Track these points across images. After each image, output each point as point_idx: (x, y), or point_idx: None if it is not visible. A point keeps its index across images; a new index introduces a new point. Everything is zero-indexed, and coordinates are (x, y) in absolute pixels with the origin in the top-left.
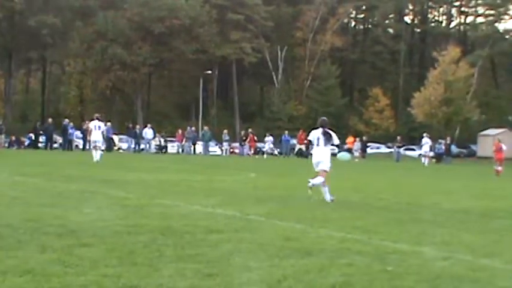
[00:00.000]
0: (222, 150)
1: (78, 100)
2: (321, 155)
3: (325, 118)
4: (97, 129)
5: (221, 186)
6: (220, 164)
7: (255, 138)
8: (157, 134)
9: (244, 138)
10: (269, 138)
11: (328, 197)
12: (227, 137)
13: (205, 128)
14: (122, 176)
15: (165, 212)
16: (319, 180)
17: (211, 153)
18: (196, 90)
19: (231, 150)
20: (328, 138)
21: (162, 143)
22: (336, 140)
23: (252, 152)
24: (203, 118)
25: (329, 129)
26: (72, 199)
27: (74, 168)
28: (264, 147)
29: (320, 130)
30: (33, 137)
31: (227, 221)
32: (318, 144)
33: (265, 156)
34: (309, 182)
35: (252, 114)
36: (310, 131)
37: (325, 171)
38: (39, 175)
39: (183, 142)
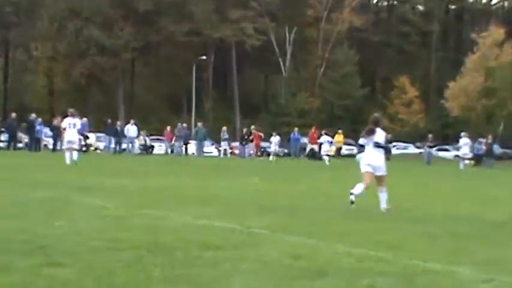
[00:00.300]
0: (219, 150)
1: (47, 91)
2: (375, 158)
3: (377, 115)
4: (71, 127)
5: (218, 193)
6: (218, 167)
7: (261, 136)
8: (142, 132)
9: (246, 136)
10: (275, 138)
11: (384, 204)
12: (226, 135)
13: (199, 124)
14: (99, 181)
15: (152, 224)
16: (360, 188)
17: (206, 154)
18: (189, 79)
19: (231, 150)
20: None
21: (148, 142)
22: (379, 137)
23: (257, 152)
24: (197, 113)
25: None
26: (41, 209)
27: (43, 172)
28: (269, 148)
29: (377, 130)
30: None
31: (225, 235)
32: (367, 144)
33: (271, 158)
34: (351, 194)
35: (255, 108)
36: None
37: (382, 176)
38: (0, 181)
39: (173, 141)
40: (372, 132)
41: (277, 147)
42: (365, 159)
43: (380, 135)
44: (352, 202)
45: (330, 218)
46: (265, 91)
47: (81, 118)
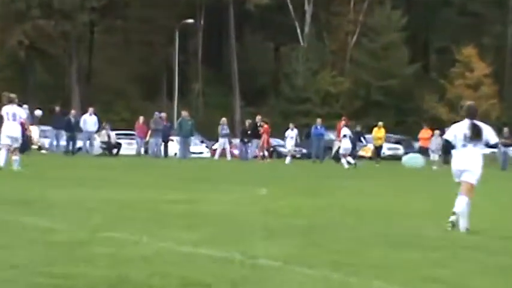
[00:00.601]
0: (211, 150)
1: None
2: (469, 160)
3: (473, 104)
4: (11, 118)
5: (210, 210)
6: (209, 174)
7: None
8: (104, 124)
9: (249, 130)
10: (293, 132)
11: (464, 223)
12: (226, 130)
13: (184, 114)
14: (45, 193)
15: (117, 253)
16: (463, 203)
17: (194, 155)
18: (170, 51)
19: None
20: (478, 134)
21: (113, 139)
22: (493, 138)
23: (264, 153)
24: (181, 98)
25: (479, 121)
26: None
27: None
28: (282, 146)
29: (467, 123)
30: None
31: (219, 268)
32: (464, 145)
33: (288, 160)
34: (453, 213)
35: (261, 91)
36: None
37: (471, 184)
38: None
39: (147, 137)
40: (479, 134)
41: (293, 146)
42: (459, 163)
43: (490, 132)
44: (452, 225)
45: (362, 244)
46: (276, 68)
47: (20, 105)
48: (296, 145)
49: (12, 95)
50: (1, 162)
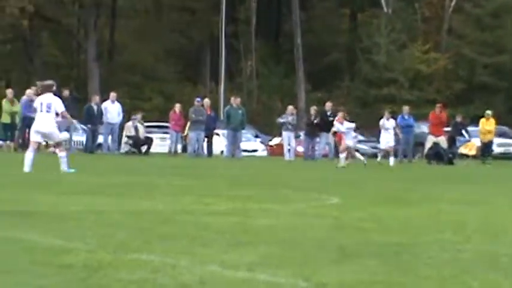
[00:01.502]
0: (269, 147)
1: None
2: None
3: None
4: (44, 109)
5: (267, 224)
6: (267, 177)
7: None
8: (136, 115)
9: (315, 121)
10: (389, 123)
11: None
12: (292, 120)
13: (234, 100)
14: (55, 202)
15: (148, 280)
16: None
17: (245, 153)
18: (214, 20)
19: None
20: None
21: (141, 134)
22: None
23: (339, 150)
24: (229, 80)
25: None
26: None
27: None
28: (359, 142)
29: None
30: None
31: None
32: None
33: (379, 158)
34: None
35: (332, 71)
36: None
37: None
38: None
39: (186, 131)
40: None
41: (355, 140)
42: None
43: None
44: None
45: (464, 269)
46: (351, 41)
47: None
48: (397, 141)
49: (49, 82)
50: (26, 167)
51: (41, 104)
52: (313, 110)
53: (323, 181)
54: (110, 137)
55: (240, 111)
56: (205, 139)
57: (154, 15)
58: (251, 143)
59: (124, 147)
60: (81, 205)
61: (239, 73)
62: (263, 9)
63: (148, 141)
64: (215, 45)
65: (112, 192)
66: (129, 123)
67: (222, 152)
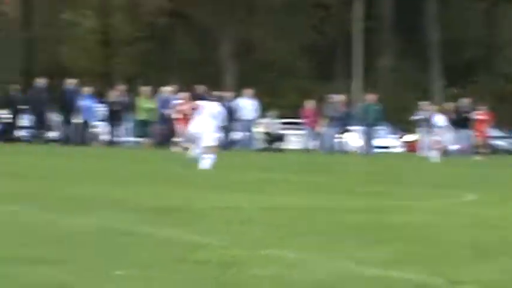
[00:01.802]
0: (406, 144)
1: (98, 40)
2: None
3: None
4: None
5: (402, 221)
6: (402, 174)
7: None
8: (270, 113)
9: (451, 117)
10: (441, 119)
11: None
12: (427, 115)
13: (369, 97)
14: (191, 198)
15: (281, 276)
16: None
17: (380, 150)
18: (349, 16)
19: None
20: None
21: (275, 130)
22: None
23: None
24: (364, 77)
25: None
26: (94, 248)
27: (86, 182)
28: (499, 138)
29: None
30: (5, 120)
31: None
32: None
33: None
34: None
35: (469, 66)
36: None
37: None
38: (15, 197)
39: (320, 127)
40: None
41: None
42: None
43: None
44: None
45: None
46: (487, 36)
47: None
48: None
49: (202, 88)
50: (204, 164)
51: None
52: (450, 105)
53: (459, 177)
54: (245, 134)
55: (374, 108)
56: (339, 134)
57: (290, 12)
58: (386, 139)
59: (259, 144)
60: (216, 201)
61: (374, 69)
62: (398, 4)
63: (283, 138)
64: (349, 41)
65: (246, 189)
66: (264, 120)
67: (356, 148)
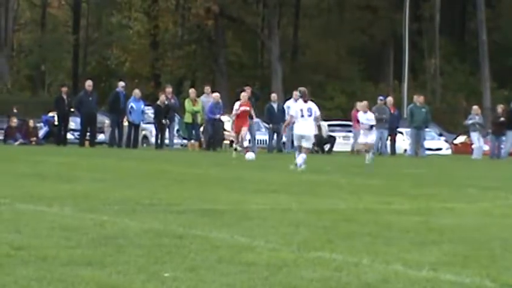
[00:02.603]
0: (452, 146)
1: (148, 42)
2: None
3: None
4: (305, 114)
5: (451, 223)
6: (451, 176)
7: None
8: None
9: (501, 119)
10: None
11: None
12: (478, 118)
13: (417, 99)
14: (240, 200)
15: (331, 279)
16: None
17: (429, 152)
18: (397, 18)
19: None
20: None
21: (324, 133)
22: None
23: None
24: (412, 78)
25: None
26: (143, 250)
27: (135, 185)
28: None
29: None
30: (54, 122)
31: None
32: None
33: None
34: None
35: None
36: None
37: None
38: (63, 199)
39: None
40: None
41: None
42: None
43: None
44: None
45: None
46: None
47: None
48: None
49: (303, 89)
50: (298, 161)
51: (301, 110)
52: (499, 108)
53: (509, 180)
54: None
55: (423, 110)
56: (389, 137)
57: (337, 14)
58: (435, 141)
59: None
60: (264, 203)
61: (423, 71)
62: (447, 6)
63: (331, 140)
64: (398, 43)
65: (295, 191)
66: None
67: (405, 150)
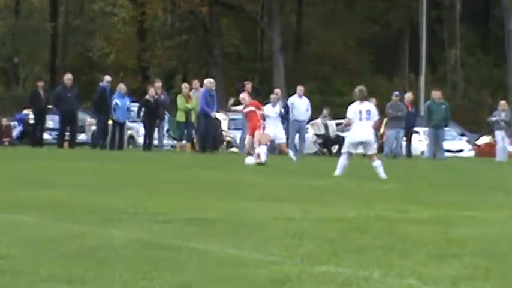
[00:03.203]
0: (475, 146)
1: (134, 30)
2: None
3: None
4: (364, 117)
5: (472, 234)
6: (473, 181)
7: None
8: (327, 112)
9: None
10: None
11: None
12: (504, 116)
13: (436, 94)
14: (235, 208)
15: None
16: None
17: (449, 154)
18: (414, 5)
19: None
20: None
21: (332, 132)
22: None
23: None
24: (431, 71)
25: None
26: (121, 260)
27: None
28: None
29: None
30: (29, 120)
31: None
32: None
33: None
34: None
35: None
36: None
37: None
38: (40, 207)
39: (381, 129)
40: None
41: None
42: None
43: None
44: None
45: None
46: None
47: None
48: None
49: (363, 88)
50: (337, 170)
51: (360, 111)
52: None
53: None
54: (296, 136)
55: (443, 106)
56: (404, 138)
57: (344, 2)
58: (456, 142)
59: (312, 147)
60: (265, 212)
61: (442, 63)
62: None
63: (340, 141)
64: (414, 33)
65: (298, 198)
66: (318, 121)
67: (422, 152)
